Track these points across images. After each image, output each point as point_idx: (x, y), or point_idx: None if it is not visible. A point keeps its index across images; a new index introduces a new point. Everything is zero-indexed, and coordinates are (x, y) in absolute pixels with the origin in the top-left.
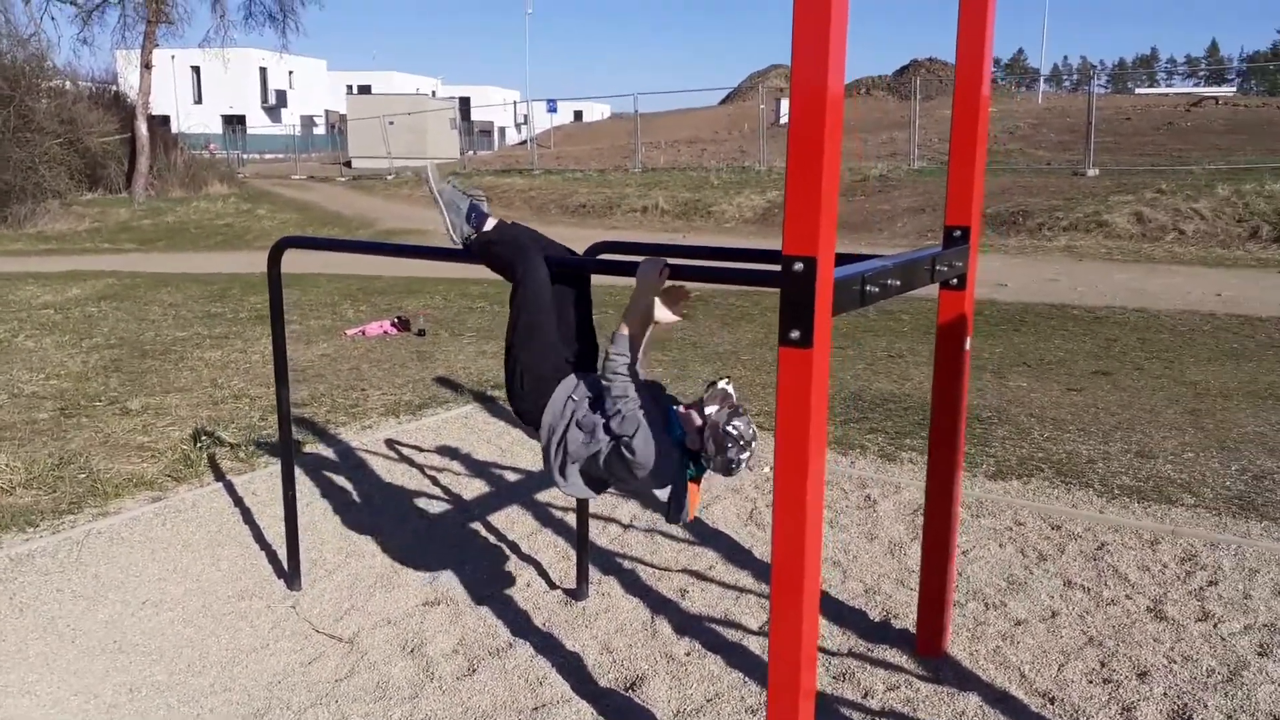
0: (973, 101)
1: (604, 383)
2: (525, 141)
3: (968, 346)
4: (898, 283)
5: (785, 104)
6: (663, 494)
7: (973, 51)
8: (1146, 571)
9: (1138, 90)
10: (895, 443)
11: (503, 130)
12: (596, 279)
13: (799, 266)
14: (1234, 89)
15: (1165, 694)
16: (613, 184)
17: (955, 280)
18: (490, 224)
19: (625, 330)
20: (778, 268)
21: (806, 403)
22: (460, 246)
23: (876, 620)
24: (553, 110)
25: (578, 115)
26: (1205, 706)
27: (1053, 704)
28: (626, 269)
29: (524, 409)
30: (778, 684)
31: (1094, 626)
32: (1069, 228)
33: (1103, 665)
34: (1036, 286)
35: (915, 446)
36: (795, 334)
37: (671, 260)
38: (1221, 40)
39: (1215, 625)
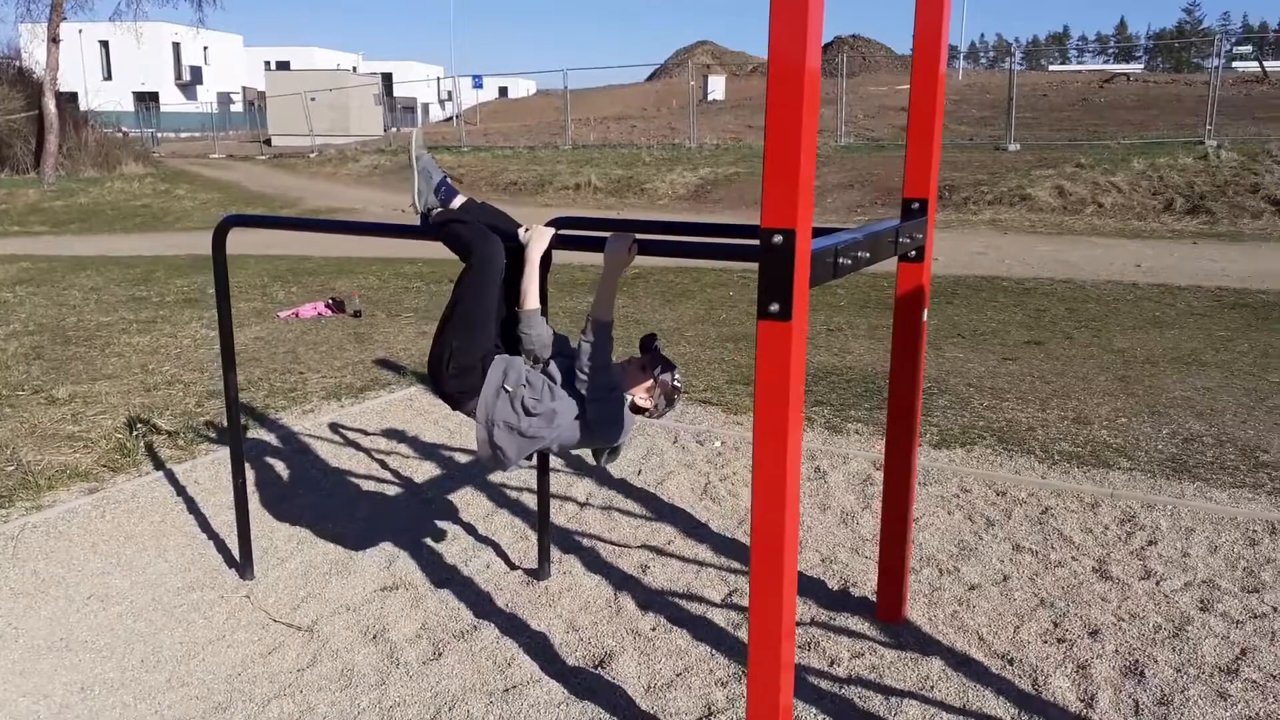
0: (930, 78)
1: (582, 375)
2: (451, 118)
3: (925, 318)
4: (867, 254)
5: (714, 80)
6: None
7: (930, 30)
8: (1089, 534)
9: (1051, 67)
10: (840, 414)
11: (426, 107)
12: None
13: (778, 239)
14: (1142, 66)
15: (1117, 651)
16: (543, 161)
17: (914, 252)
18: (458, 201)
19: (607, 318)
20: (747, 241)
21: (786, 375)
22: (420, 215)
23: (835, 589)
24: (478, 86)
25: (503, 91)
26: (1155, 661)
27: (1012, 665)
28: (594, 244)
29: (447, 391)
30: (758, 657)
31: (1044, 588)
32: (993, 201)
33: (1056, 625)
34: (966, 259)
35: (860, 418)
36: (775, 307)
37: (646, 236)
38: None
39: (1158, 583)
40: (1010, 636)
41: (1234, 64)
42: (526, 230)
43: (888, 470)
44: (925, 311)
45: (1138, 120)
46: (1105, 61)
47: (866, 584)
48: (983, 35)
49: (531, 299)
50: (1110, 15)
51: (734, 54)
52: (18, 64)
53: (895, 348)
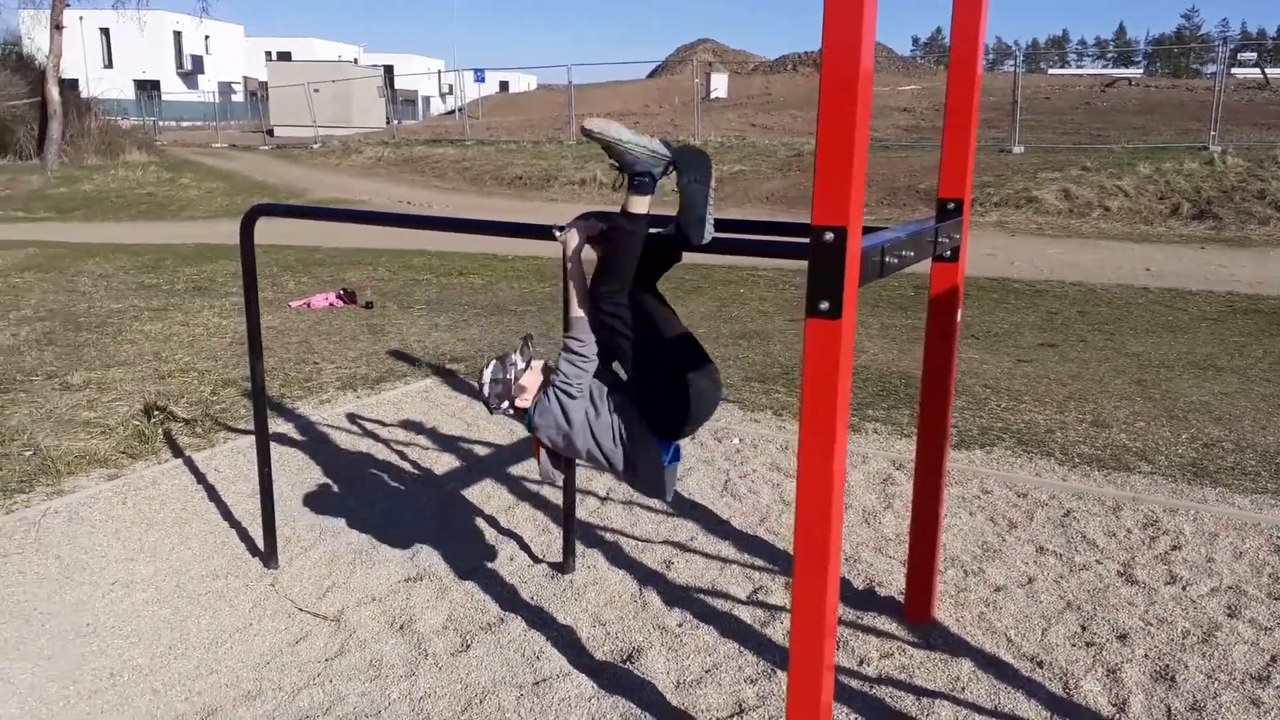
0: (968, 78)
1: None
2: (452, 111)
3: (959, 318)
4: (911, 254)
5: (716, 78)
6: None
7: (967, 31)
8: (1113, 537)
9: (1050, 71)
10: (858, 414)
11: (427, 100)
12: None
13: (829, 236)
14: (1140, 70)
15: (1147, 655)
16: (548, 156)
17: (949, 253)
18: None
19: (581, 312)
20: (793, 239)
21: (835, 374)
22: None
23: (861, 588)
24: (480, 80)
25: (503, 86)
26: (1186, 667)
27: (1041, 668)
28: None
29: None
30: (800, 657)
31: (1070, 591)
32: (1000, 204)
33: (1084, 629)
34: (975, 260)
35: (877, 417)
36: (825, 305)
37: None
38: (1128, 23)
39: (1184, 588)
40: (1038, 639)
41: (1233, 70)
42: (561, 230)
43: (919, 469)
44: (959, 312)
45: (1141, 124)
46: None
47: (892, 584)
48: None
49: (578, 305)
50: (1109, 20)
51: (735, 52)
52: (19, 51)
53: (928, 347)
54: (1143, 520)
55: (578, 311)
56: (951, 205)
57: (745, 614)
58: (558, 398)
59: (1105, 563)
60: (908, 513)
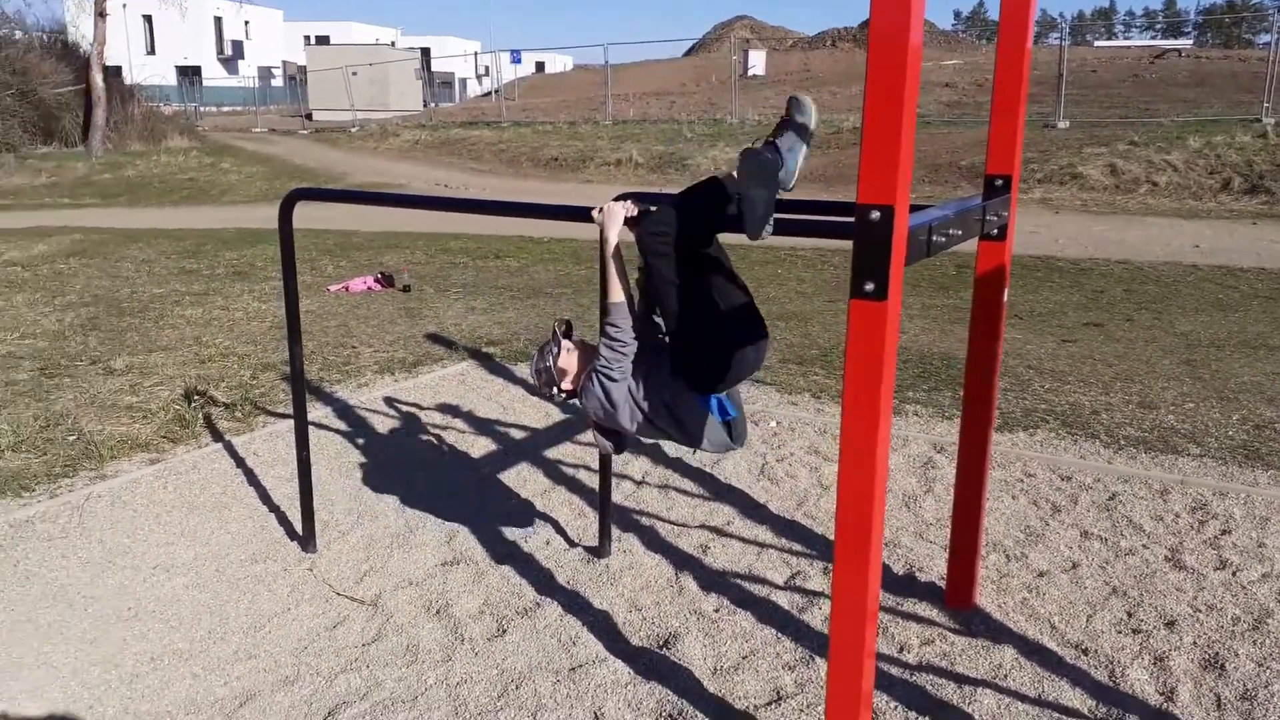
0: (1017, 52)
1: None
2: (489, 93)
3: (1006, 298)
4: (959, 232)
5: (754, 55)
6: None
7: (1016, 3)
8: (1160, 521)
9: (1096, 43)
10: (899, 396)
11: (464, 81)
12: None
13: (875, 215)
14: (1191, 41)
15: (1195, 643)
16: (584, 137)
17: (995, 231)
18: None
19: (619, 297)
20: (830, 218)
21: (880, 357)
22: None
23: (900, 574)
24: (517, 61)
25: (539, 67)
26: (1236, 655)
27: (1086, 655)
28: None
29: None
30: (840, 644)
31: (1116, 576)
32: (1044, 180)
33: (1130, 615)
34: (1019, 238)
35: (917, 399)
36: (870, 286)
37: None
38: None
39: (1234, 574)
40: (1083, 626)
41: None
42: (599, 211)
43: (963, 452)
44: (1006, 291)
45: (1191, 97)
46: (1153, 37)
47: (933, 569)
48: None
49: (615, 290)
50: None
51: (773, 29)
52: (64, 38)
53: (974, 328)
54: (1191, 504)
55: (617, 296)
56: (999, 182)
57: (783, 599)
58: (600, 381)
59: (1152, 548)
60: (949, 497)
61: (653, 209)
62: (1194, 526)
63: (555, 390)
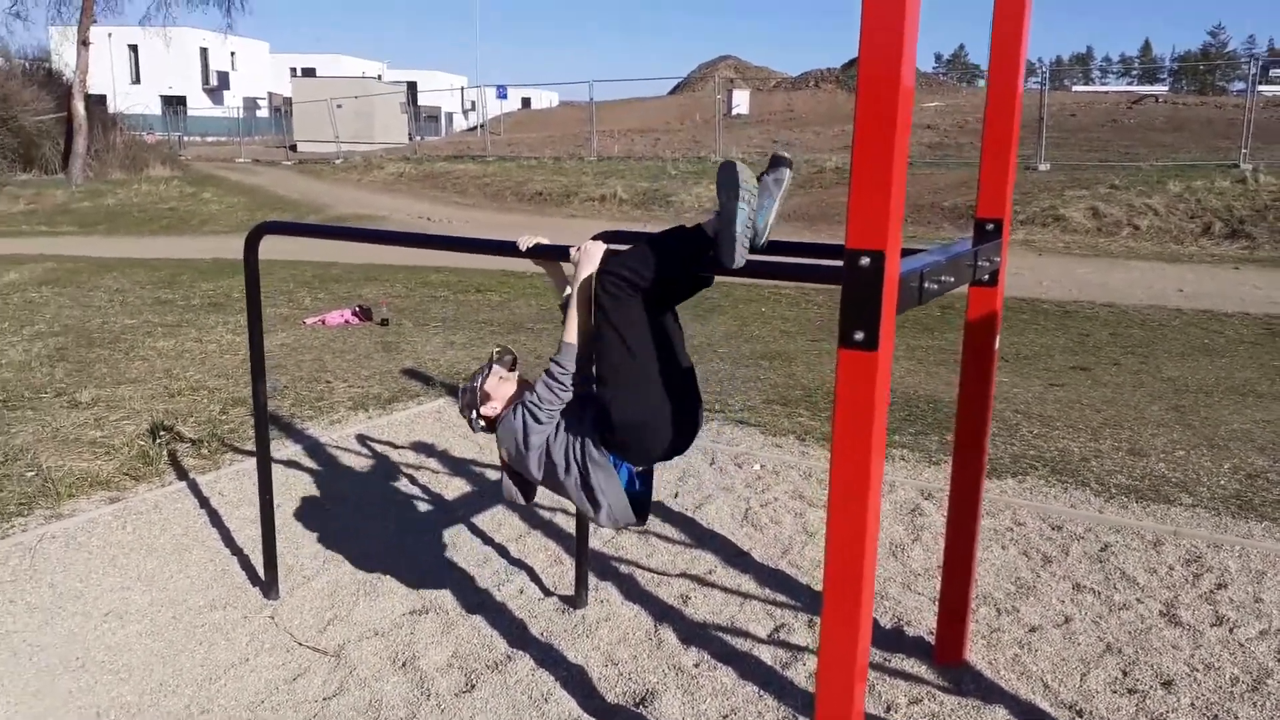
0: (1008, 92)
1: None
2: (474, 128)
3: (997, 346)
4: (952, 279)
5: (738, 95)
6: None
7: (1008, 42)
8: (1154, 574)
9: (1074, 88)
10: None
11: (450, 116)
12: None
13: (865, 261)
14: (1166, 88)
15: (1193, 705)
16: (568, 172)
17: (987, 276)
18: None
19: (574, 339)
20: (815, 261)
21: (870, 409)
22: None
23: (888, 627)
24: (503, 97)
25: (525, 102)
26: (1236, 718)
27: (1081, 717)
28: None
29: None
30: (828, 703)
31: (1110, 632)
32: (1026, 221)
33: (1125, 674)
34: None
35: (904, 443)
36: (860, 335)
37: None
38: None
39: (1231, 631)
40: (1077, 685)
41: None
42: (577, 249)
43: (953, 503)
44: (997, 338)
45: (1169, 142)
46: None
47: (921, 623)
48: None
49: (572, 331)
50: (1134, 37)
51: (756, 69)
52: (47, 66)
53: (965, 375)
54: (1185, 556)
55: (572, 337)
56: (990, 226)
57: (766, 654)
58: (524, 416)
59: (1147, 602)
60: (937, 546)
61: (624, 249)
62: (1189, 580)
63: (475, 414)
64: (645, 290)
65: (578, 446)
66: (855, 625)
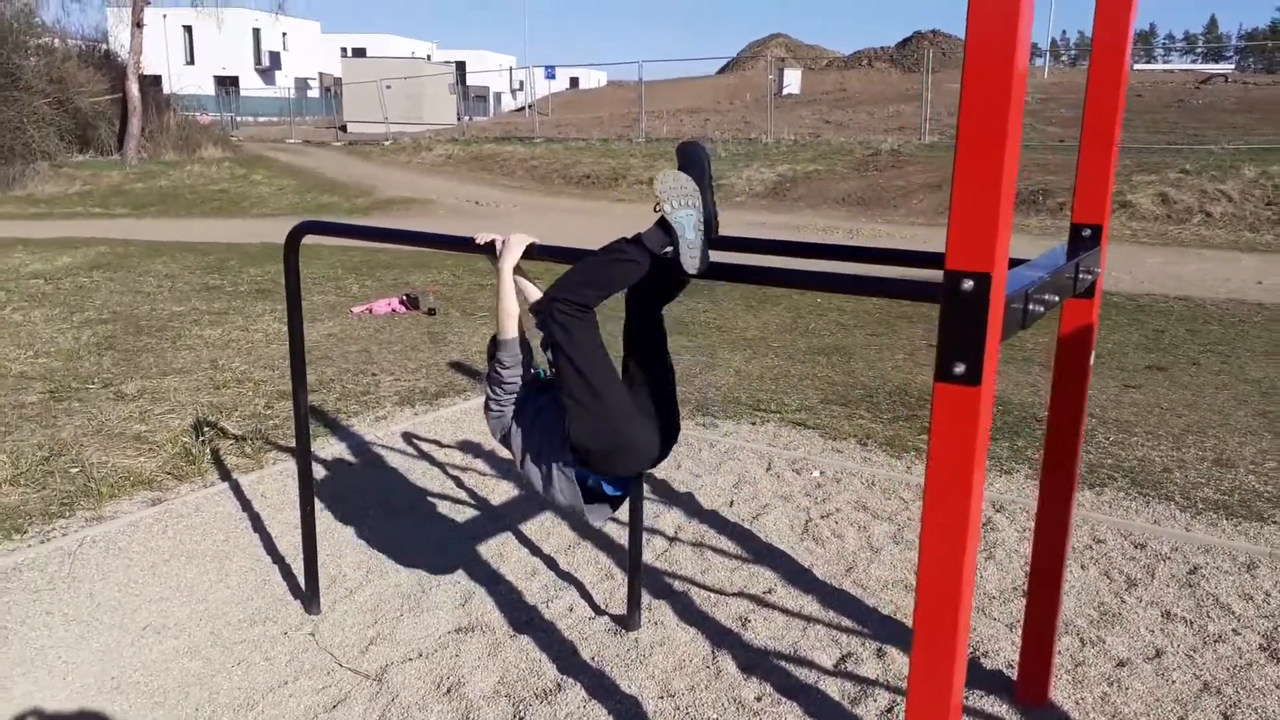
0: (1113, 81)
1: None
2: (523, 108)
3: (1092, 361)
4: (1055, 297)
5: (789, 74)
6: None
7: (1115, 25)
8: (1250, 601)
9: (1136, 66)
10: None
11: (498, 96)
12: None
13: (969, 285)
14: (1232, 66)
15: None
16: (617, 154)
17: (1085, 288)
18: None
19: (511, 334)
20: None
21: (971, 450)
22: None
23: None
24: (551, 77)
25: (573, 82)
26: None
27: None
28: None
29: None
30: None
31: (1206, 669)
32: None
33: (1226, 718)
34: None
35: None
36: (960, 368)
37: (795, 267)
38: (1220, 17)
39: None
40: None
41: None
42: (501, 240)
43: (1040, 527)
44: (1092, 355)
45: (1240, 123)
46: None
47: (999, 654)
48: (1064, 32)
49: (508, 326)
50: (1199, 14)
51: (808, 48)
52: (103, 47)
53: (1056, 392)
54: None
55: (507, 332)
56: (1088, 232)
57: (832, 687)
58: (486, 412)
59: (1244, 633)
60: (1011, 564)
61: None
62: None
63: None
64: (593, 310)
65: (546, 448)
66: (947, 698)
